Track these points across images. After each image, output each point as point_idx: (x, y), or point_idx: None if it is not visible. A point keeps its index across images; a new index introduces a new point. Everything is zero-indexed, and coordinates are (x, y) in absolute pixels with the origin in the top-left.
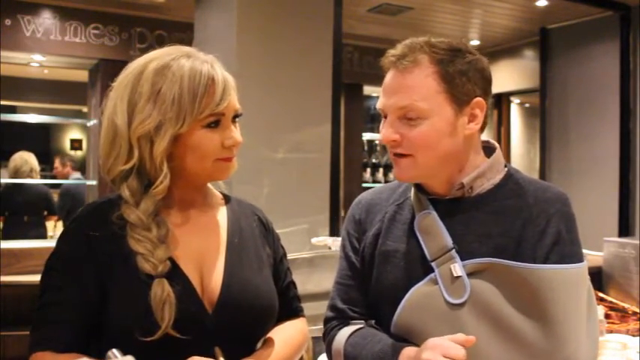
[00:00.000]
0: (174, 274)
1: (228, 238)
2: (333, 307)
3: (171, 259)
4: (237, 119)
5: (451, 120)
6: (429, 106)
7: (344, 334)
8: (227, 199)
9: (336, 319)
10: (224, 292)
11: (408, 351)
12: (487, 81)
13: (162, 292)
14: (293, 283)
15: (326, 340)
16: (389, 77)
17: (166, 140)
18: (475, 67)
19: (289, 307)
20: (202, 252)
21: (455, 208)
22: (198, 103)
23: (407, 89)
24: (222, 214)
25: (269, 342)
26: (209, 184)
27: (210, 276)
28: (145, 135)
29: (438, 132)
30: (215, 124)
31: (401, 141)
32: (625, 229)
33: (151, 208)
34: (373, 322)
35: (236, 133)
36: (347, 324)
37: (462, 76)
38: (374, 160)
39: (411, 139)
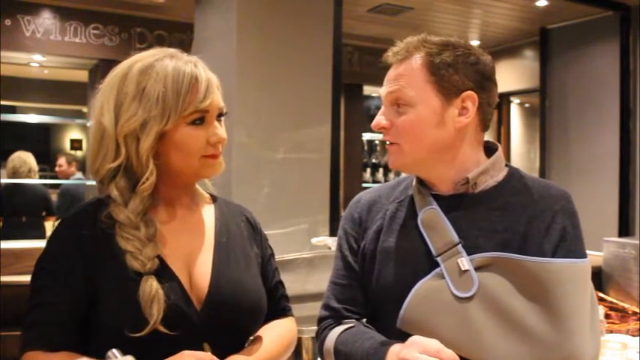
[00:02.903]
0: (163, 271)
1: (215, 238)
2: (327, 307)
3: (160, 258)
4: (221, 118)
5: (438, 110)
6: (416, 95)
7: (335, 332)
8: (215, 199)
9: (331, 318)
10: (212, 291)
11: (396, 348)
12: (482, 75)
13: (150, 288)
14: (281, 283)
15: (319, 339)
16: (389, 71)
17: (152, 137)
18: (465, 61)
19: (277, 306)
20: (190, 251)
21: (458, 204)
22: (182, 100)
23: (398, 78)
24: (209, 214)
25: (257, 340)
26: (197, 186)
27: (198, 274)
28: (131, 133)
29: (424, 121)
30: (200, 120)
31: (390, 128)
32: (625, 229)
33: (140, 207)
34: (365, 320)
35: (221, 130)
36: (339, 323)
37: (449, 68)
38: (374, 160)
39: (398, 126)
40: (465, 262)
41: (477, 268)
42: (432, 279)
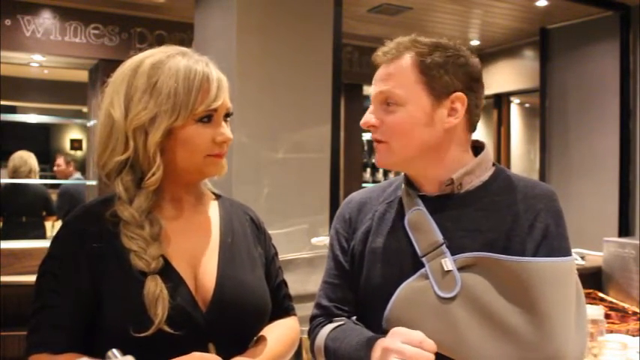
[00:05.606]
0: (167, 271)
1: (220, 238)
2: (318, 305)
3: (164, 257)
4: (228, 118)
5: (427, 110)
6: (406, 94)
7: (325, 330)
8: (219, 199)
9: (322, 316)
10: (217, 292)
11: (382, 341)
12: (471, 77)
13: (155, 288)
14: (284, 282)
15: (310, 337)
16: (378, 70)
17: (160, 132)
18: (455, 62)
19: (281, 305)
20: (195, 251)
21: (444, 204)
22: (193, 98)
23: (388, 77)
24: (214, 214)
25: (262, 340)
26: (201, 185)
27: (204, 275)
28: (140, 126)
29: (413, 120)
30: (208, 119)
31: (379, 126)
32: (625, 229)
33: (144, 205)
34: (355, 318)
35: (227, 129)
36: (330, 321)
37: (440, 69)
38: (374, 160)
39: (387, 125)
40: (448, 263)
41: (461, 269)
42: (417, 279)
